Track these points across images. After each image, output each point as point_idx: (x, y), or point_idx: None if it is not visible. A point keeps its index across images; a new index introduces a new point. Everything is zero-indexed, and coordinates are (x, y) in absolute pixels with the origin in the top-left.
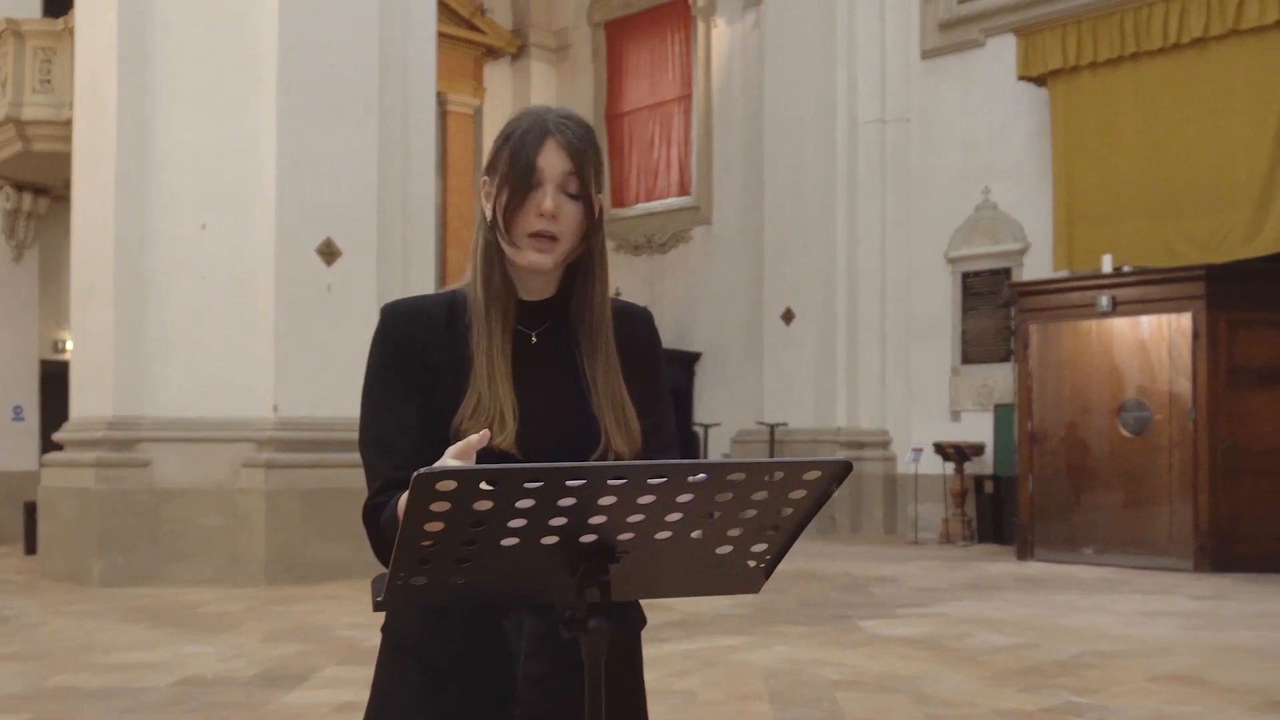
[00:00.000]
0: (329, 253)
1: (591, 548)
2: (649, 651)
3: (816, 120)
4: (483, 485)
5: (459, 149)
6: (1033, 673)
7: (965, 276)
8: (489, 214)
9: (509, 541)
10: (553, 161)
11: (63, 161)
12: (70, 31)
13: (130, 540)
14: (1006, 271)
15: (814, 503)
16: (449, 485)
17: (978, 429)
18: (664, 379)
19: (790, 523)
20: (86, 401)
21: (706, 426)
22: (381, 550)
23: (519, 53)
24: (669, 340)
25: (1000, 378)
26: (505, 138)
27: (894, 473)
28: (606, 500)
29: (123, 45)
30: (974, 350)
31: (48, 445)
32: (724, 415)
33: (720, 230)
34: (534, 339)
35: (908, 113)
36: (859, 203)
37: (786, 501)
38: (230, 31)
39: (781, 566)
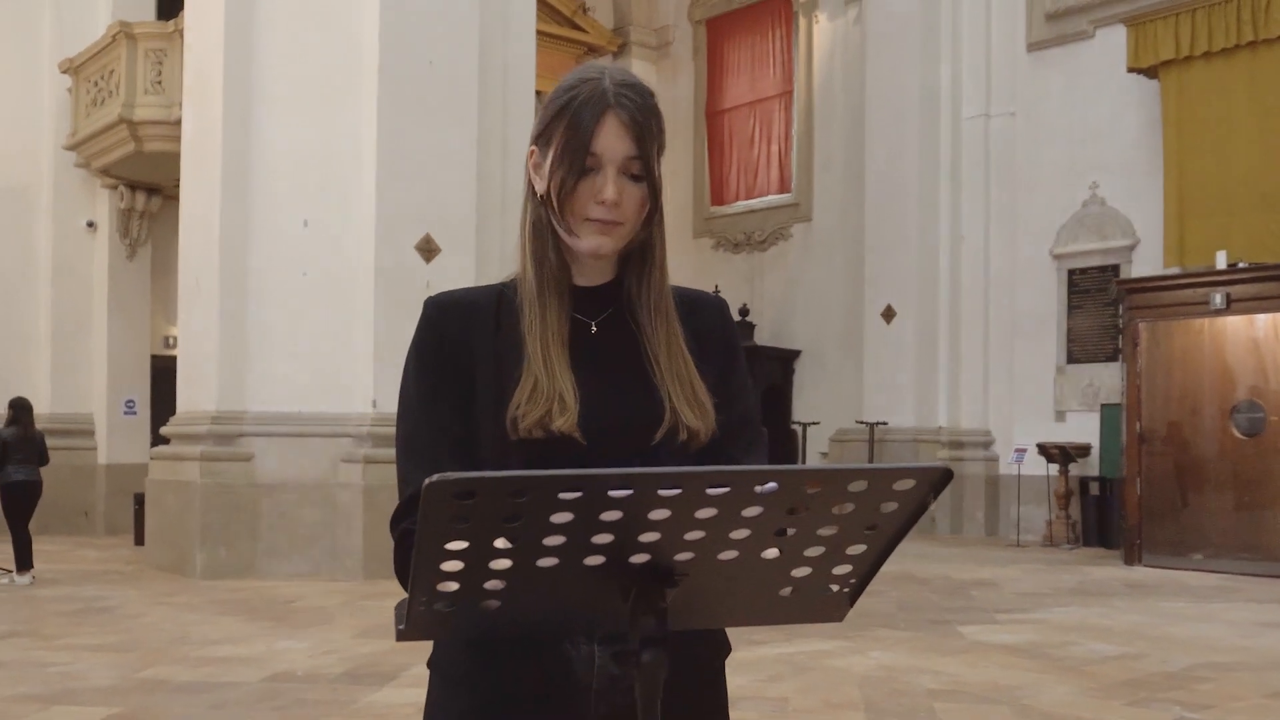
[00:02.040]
0: (428, 249)
1: (645, 569)
2: (742, 654)
3: (919, 115)
4: (509, 496)
5: None
6: (1141, 685)
7: (1071, 273)
8: (540, 189)
9: (547, 562)
10: (613, 144)
11: (173, 161)
12: (180, 33)
13: (231, 533)
14: (1114, 268)
15: (908, 516)
16: (469, 496)
17: (1083, 429)
18: (745, 370)
19: (879, 540)
20: (192, 396)
21: (805, 425)
22: (404, 571)
23: (620, 51)
24: (767, 338)
25: (1107, 377)
26: (560, 107)
27: (996, 474)
28: (659, 514)
29: (228, 45)
30: (1079, 349)
31: (158, 439)
32: (823, 414)
33: (820, 227)
34: (594, 328)
35: (1013, 106)
36: (962, 198)
37: (875, 515)
38: (332, 31)
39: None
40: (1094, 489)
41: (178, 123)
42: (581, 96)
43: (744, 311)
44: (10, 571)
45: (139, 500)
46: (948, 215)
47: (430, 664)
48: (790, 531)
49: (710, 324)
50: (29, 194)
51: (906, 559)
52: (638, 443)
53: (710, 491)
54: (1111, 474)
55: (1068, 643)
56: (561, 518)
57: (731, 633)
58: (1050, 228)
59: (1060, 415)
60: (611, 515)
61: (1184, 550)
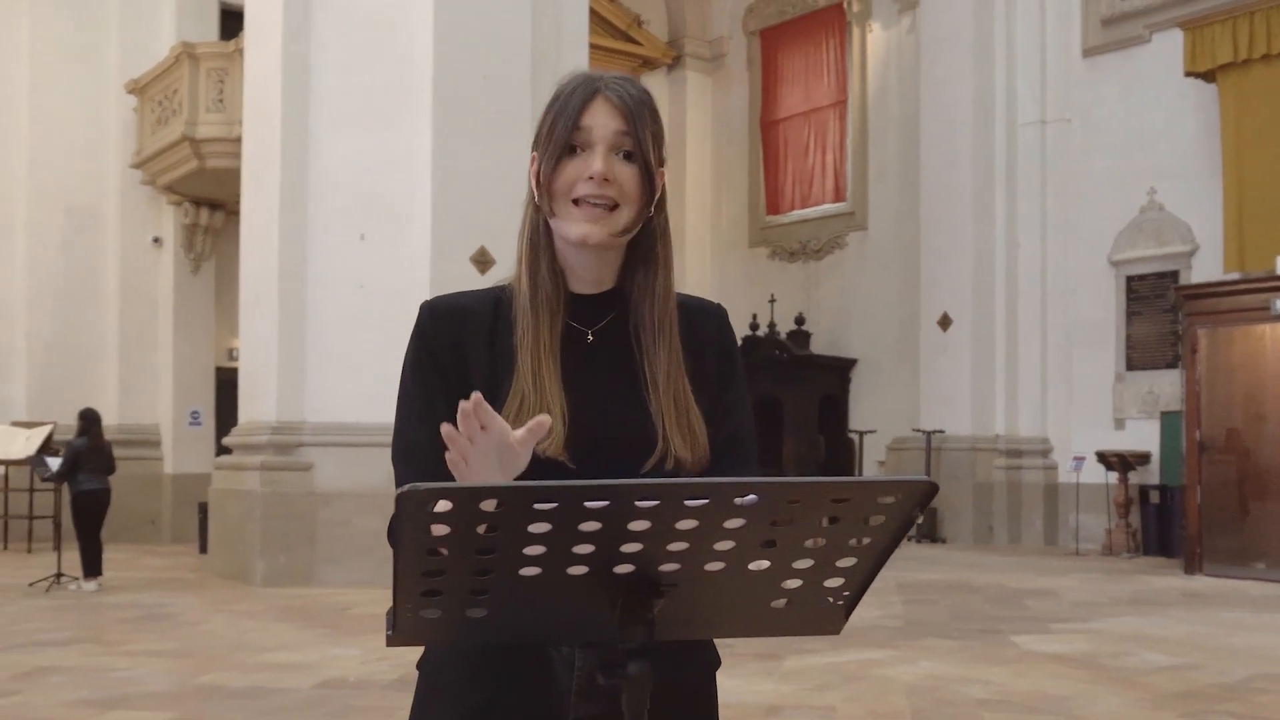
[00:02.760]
0: (482, 261)
1: (631, 580)
2: (790, 663)
3: (974, 123)
4: (485, 506)
5: None
6: (1195, 696)
7: (1130, 280)
8: (534, 187)
9: (529, 571)
10: (603, 120)
11: (235, 177)
12: (240, 52)
13: (290, 541)
14: (1173, 274)
15: (895, 530)
16: (445, 506)
17: (1143, 437)
18: (742, 384)
19: (869, 553)
20: (252, 407)
21: (862, 434)
22: None
23: (675, 63)
24: (824, 347)
25: (1167, 384)
26: (551, 102)
27: (1055, 482)
28: (638, 525)
29: (286, 64)
30: (1139, 356)
31: (222, 449)
32: (879, 422)
33: (875, 236)
34: (590, 336)
35: (1068, 113)
36: (1018, 205)
37: (862, 529)
38: (386, 48)
39: (935, 576)
40: (1154, 497)
41: (239, 140)
42: (571, 86)
43: (800, 320)
44: (78, 578)
45: (203, 509)
46: (1003, 222)
47: (418, 666)
48: (776, 544)
49: (709, 335)
50: (97, 212)
51: (962, 568)
52: (626, 470)
53: (689, 503)
54: (1172, 482)
55: (1121, 653)
56: (539, 528)
57: (777, 642)
58: (1108, 234)
59: (1119, 423)
60: (590, 526)
61: (1246, 559)
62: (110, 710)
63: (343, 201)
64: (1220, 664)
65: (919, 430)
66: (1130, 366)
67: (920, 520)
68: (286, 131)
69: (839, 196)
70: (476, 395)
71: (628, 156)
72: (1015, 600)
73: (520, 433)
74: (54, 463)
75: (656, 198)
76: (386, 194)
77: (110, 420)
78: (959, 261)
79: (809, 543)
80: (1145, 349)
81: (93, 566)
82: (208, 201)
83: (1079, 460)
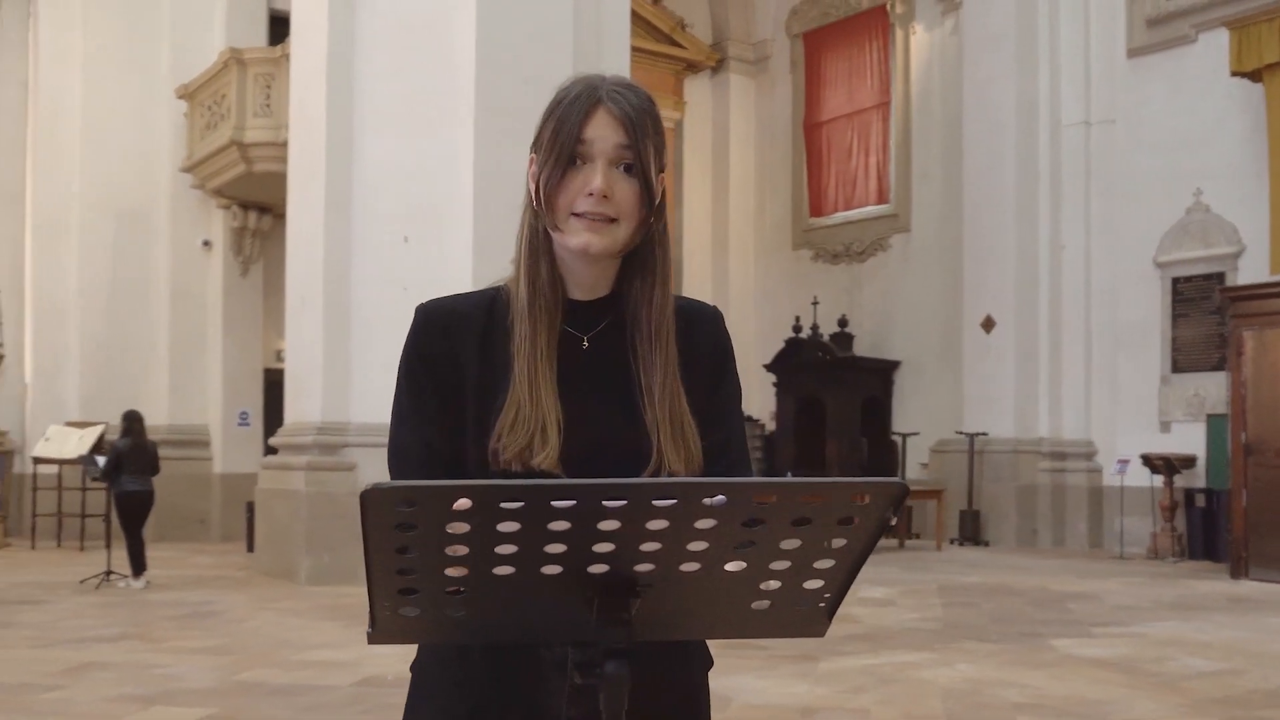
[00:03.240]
0: None
1: (606, 580)
2: (825, 665)
3: (1017, 124)
4: (457, 505)
5: None
6: (1236, 702)
7: (1175, 281)
8: (534, 195)
9: (503, 570)
10: (604, 133)
11: (282, 181)
12: (286, 57)
13: (335, 540)
14: (1219, 276)
15: (870, 531)
16: (408, 504)
17: (1189, 440)
18: (735, 389)
19: (845, 555)
20: (298, 408)
21: (904, 436)
22: None
23: (718, 66)
24: (867, 349)
25: (1213, 387)
26: (552, 108)
27: (1099, 485)
28: (608, 525)
29: (331, 69)
30: (1185, 358)
31: (270, 449)
32: (922, 425)
33: (918, 238)
34: (586, 343)
35: (1113, 113)
36: (1062, 207)
37: (834, 530)
38: (429, 53)
39: (976, 579)
40: (1200, 501)
41: (285, 144)
42: (573, 93)
43: (843, 322)
44: (127, 576)
45: (250, 509)
46: (1047, 224)
47: (411, 668)
48: (751, 545)
49: (704, 339)
50: (148, 215)
51: (1004, 571)
52: (618, 476)
53: (657, 503)
54: (1218, 485)
55: (1163, 658)
56: (509, 527)
57: (813, 644)
58: (1152, 236)
59: (1165, 425)
60: (559, 525)
61: None
62: (151, 706)
63: (386, 204)
64: (1264, 670)
65: (962, 433)
66: (1176, 369)
67: (894, 521)
68: (331, 135)
69: (882, 198)
70: None
71: (628, 169)
72: (1056, 604)
73: None
74: (103, 462)
75: (656, 204)
76: (429, 197)
77: (161, 420)
78: (1002, 263)
79: (783, 544)
80: (1191, 351)
81: (139, 564)
82: (256, 205)
83: (1123, 463)
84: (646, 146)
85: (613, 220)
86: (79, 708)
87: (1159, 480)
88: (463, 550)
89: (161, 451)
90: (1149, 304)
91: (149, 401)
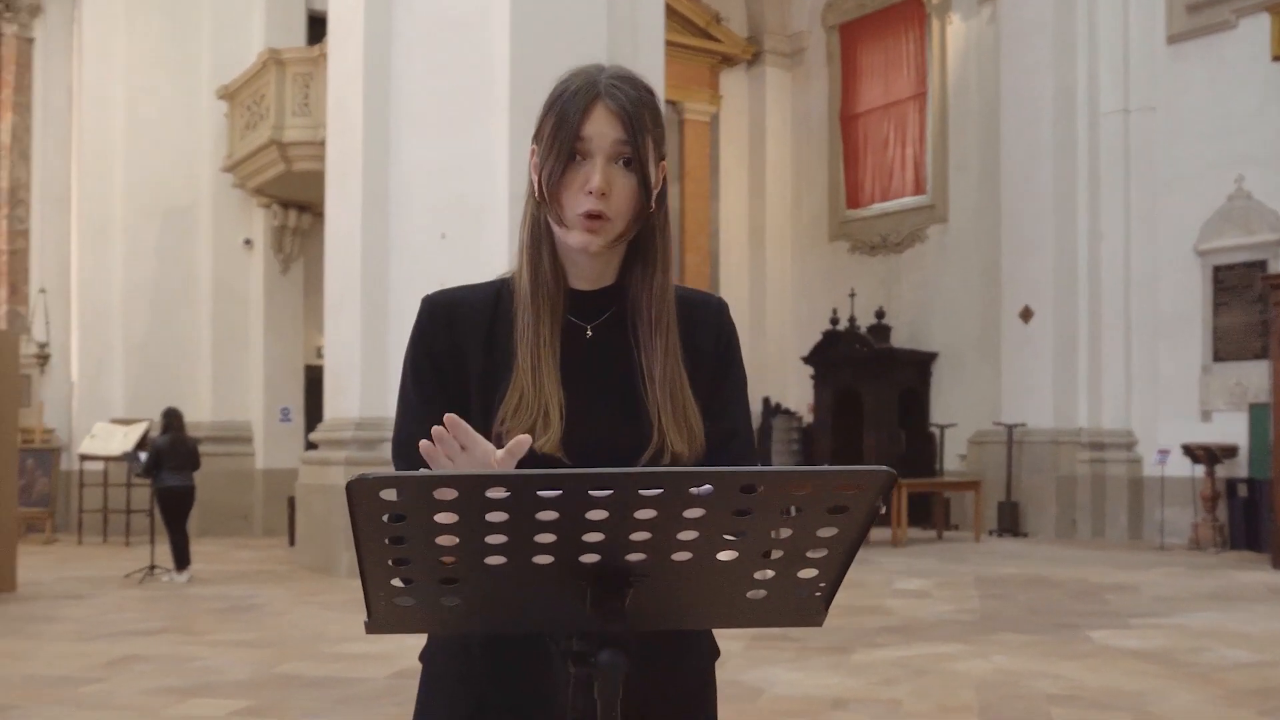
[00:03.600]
0: None
1: (599, 570)
2: (859, 657)
3: (1055, 113)
4: (441, 495)
5: (696, 156)
6: (1273, 694)
7: (1216, 270)
8: (535, 187)
9: (495, 560)
10: (602, 130)
11: (321, 180)
12: (324, 57)
13: None
14: (1261, 264)
15: (861, 520)
16: (394, 494)
17: (1230, 430)
18: (740, 378)
19: (837, 544)
20: (337, 404)
21: (943, 427)
22: None
23: (754, 59)
24: (904, 340)
25: (1255, 376)
26: (552, 101)
27: (1139, 475)
28: (596, 515)
29: (367, 68)
30: (1226, 347)
31: (310, 444)
32: (960, 416)
33: (956, 228)
34: (589, 332)
35: (1153, 101)
36: (1101, 196)
37: (824, 520)
38: (465, 51)
39: (1014, 571)
40: (1241, 491)
41: (323, 143)
42: (572, 87)
43: (880, 314)
44: (170, 570)
45: (292, 503)
46: (1085, 213)
47: (421, 658)
48: (742, 535)
49: (707, 329)
50: (191, 215)
51: (1042, 562)
52: (622, 464)
53: (643, 492)
54: (1260, 475)
55: (1200, 649)
56: (497, 517)
57: (847, 635)
58: (1193, 224)
59: (1206, 415)
60: (547, 515)
61: None
62: (189, 698)
63: (423, 202)
64: None
65: (1000, 424)
66: (1217, 358)
67: (883, 510)
68: (368, 134)
69: (919, 189)
70: (450, 417)
71: (627, 163)
72: (1094, 595)
73: (500, 453)
74: (144, 458)
75: (656, 193)
76: (466, 194)
77: (204, 417)
78: (1040, 253)
79: (774, 534)
80: (1232, 340)
81: (182, 559)
82: (296, 204)
83: (1164, 453)
84: (645, 140)
85: (609, 219)
86: (119, 699)
87: (1200, 470)
88: (453, 540)
89: (204, 448)
90: (1189, 293)
91: (192, 398)
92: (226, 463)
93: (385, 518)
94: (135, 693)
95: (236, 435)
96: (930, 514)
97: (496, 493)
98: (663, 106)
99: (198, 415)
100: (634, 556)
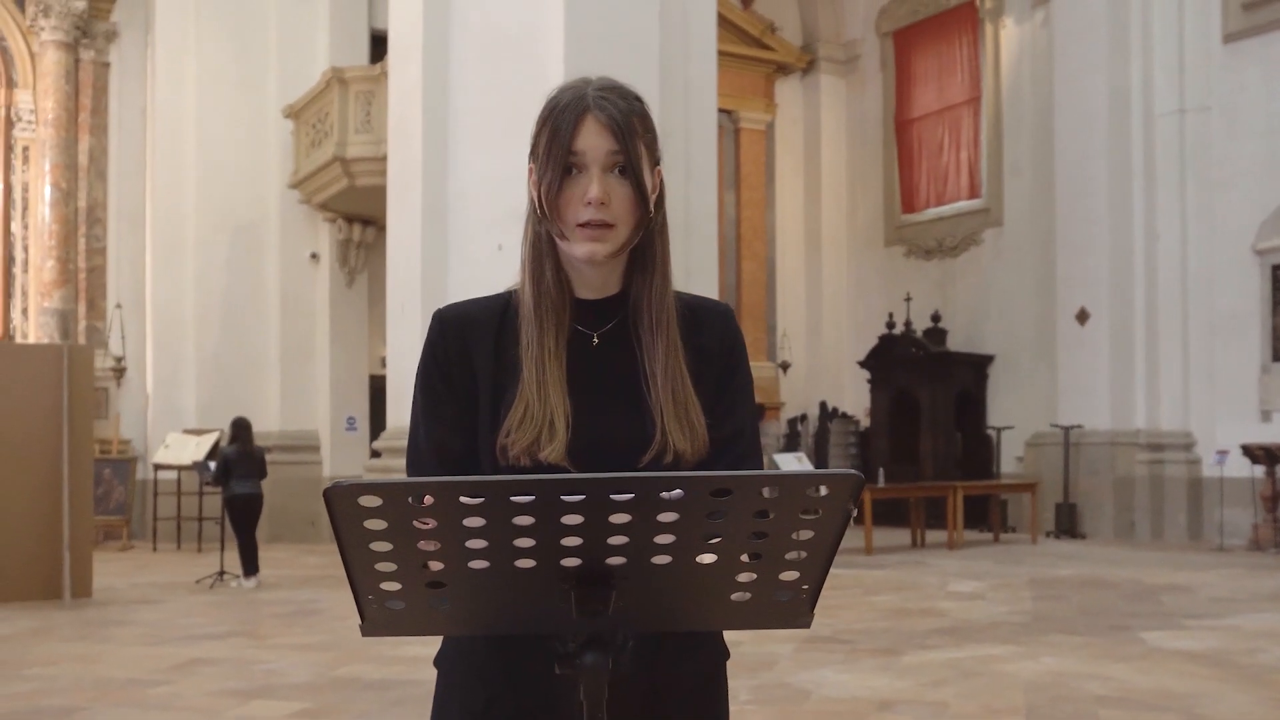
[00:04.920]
0: None
1: (580, 573)
2: (908, 659)
3: (1110, 115)
4: (417, 501)
5: (751, 164)
6: None
7: (1275, 269)
8: (536, 204)
9: (479, 565)
10: (595, 142)
11: (383, 194)
12: (385, 75)
13: None
14: None
15: (834, 522)
16: (374, 501)
17: None
18: (745, 382)
19: (815, 546)
20: (400, 413)
21: (999, 430)
22: None
23: (809, 67)
24: (960, 344)
25: None
26: (543, 119)
27: (1199, 476)
28: (571, 519)
29: (426, 84)
30: None
31: (374, 452)
32: (1017, 418)
33: (1011, 231)
34: (595, 340)
35: (1209, 101)
36: (1157, 196)
37: (799, 523)
38: (520, 65)
39: (1069, 572)
40: None
41: (384, 158)
42: (561, 103)
43: (935, 318)
44: (239, 576)
45: None
46: (1141, 214)
47: (434, 663)
48: (720, 538)
49: (713, 334)
50: (259, 230)
51: (1099, 564)
52: (625, 466)
53: (615, 497)
54: None
55: (1255, 650)
56: (474, 522)
57: (897, 638)
58: (1251, 223)
59: (1266, 415)
60: (524, 520)
61: None
62: (251, 700)
63: (481, 214)
64: None
65: (1057, 425)
66: (1276, 357)
67: (854, 512)
68: (427, 148)
69: (974, 193)
70: None
71: (622, 172)
72: (1150, 596)
73: None
74: (214, 467)
75: (654, 197)
76: (522, 205)
77: (273, 427)
78: (1096, 255)
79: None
80: None
81: (250, 565)
82: (360, 218)
83: (1222, 453)
84: (637, 147)
85: (613, 225)
86: (183, 701)
87: (1260, 470)
88: (434, 546)
89: (273, 457)
90: (1247, 292)
91: (261, 408)
92: (295, 471)
93: (366, 523)
94: (200, 695)
95: (304, 444)
96: (987, 516)
97: (471, 499)
98: (713, 118)
99: (266, 425)
100: (614, 560)
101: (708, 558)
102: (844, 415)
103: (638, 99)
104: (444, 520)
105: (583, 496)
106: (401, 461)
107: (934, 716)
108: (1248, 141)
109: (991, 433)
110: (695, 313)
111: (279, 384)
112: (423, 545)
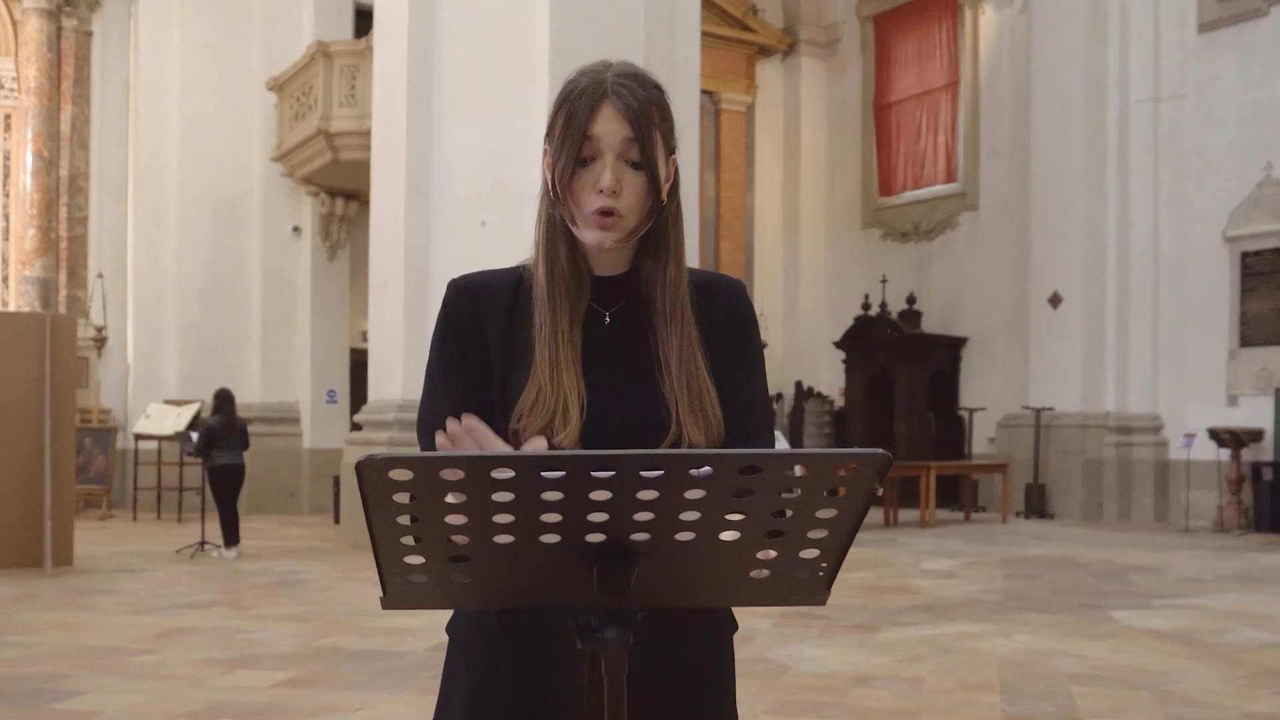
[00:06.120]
0: None
1: (604, 549)
2: (884, 635)
3: (1086, 102)
4: (446, 475)
5: (732, 145)
6: None
7: (1245, 256)
8: (550, 186)
9: (503, 539)
10: (611, 129)
11: (367, 168)
12: (370, 49)
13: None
14: None
15: (859, 502)
16: (404, 474)
17: (1257, 414)
18: (757, 356)
19: (838, 525)
20: (381, 386)
21: (971, 411)
22: None
23: (789, 50)
24: (935, 325)
25: None
26: (561, 101)
27: (1165, 458)
28: (599, 495)
29: (411, 59)
30: (1254, 332)
31: (355, 425)
32: (989, 400)
33: (986, 216)
34: (608, 319)
35: (1183, 89)
36: (1130, 183)
37: (823, 501)
38: (506, 42)
39: (1040, 552)
40: (1267, 474)
41: (369, 133)
42: (580, 87)
43: (911, 300)
44: (220, 546)
45: (337, 482)
46: (1115, 201)
47: (448, 629)
48: (743, 516)
49: (724, 309)
50: (242, 204)
51: (1069, 543)
52: (638, 446)
53: (644, 474)
54: None
55: (1222, 629)
56: (503, 497)
57: (873, 614)
58: (1222, 211)
59: (1232, 400)
60: (552, 495)
61: None
62: (236, 669)
63: (465, 190)
64: None
65: (1028, 408)
66: (1244, 343)
67: (879, 492)
68: (412, 124)
69: (950, 177)
70: (468, 420)
71: (636, 165)
72: (1120, 576)
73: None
74: (197, 438)
75: (668, 187)
76: (505, 182)
77: (254, 399)
78: (1070, 240)
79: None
80: (1260, 325)
81: (231, 535)
82: (342, 192)
83: (1190, 437)
84: (652, 136)
85: (623, 214)
86: (168, 670)
87: (1226, 454)
88: (462, 520)
89: (254, 428)
90: (1217, 278)
91: (242, 380)
92: (275, 442)
93: (395, 496)
94: (184, 663)
95: (285, 416)
96: (959, 496)
97: (502, 473)
98: (696, 99)
99: (247, 397)
100: (638, 536)
101: (730, 535)
102: (819, 395)
103: (656, 87)
104: (473, 495)
105: (612, 473)
106: (383, 435)
107: (911, 691)
108: (1221, 131)
109: (964, 414)
110: (706, 289)
111: (260, 356)
112: (449, 519)
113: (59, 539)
